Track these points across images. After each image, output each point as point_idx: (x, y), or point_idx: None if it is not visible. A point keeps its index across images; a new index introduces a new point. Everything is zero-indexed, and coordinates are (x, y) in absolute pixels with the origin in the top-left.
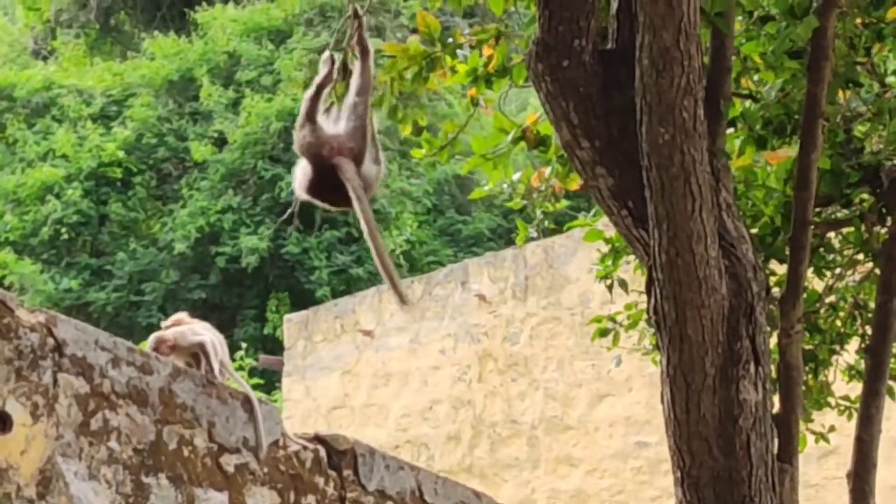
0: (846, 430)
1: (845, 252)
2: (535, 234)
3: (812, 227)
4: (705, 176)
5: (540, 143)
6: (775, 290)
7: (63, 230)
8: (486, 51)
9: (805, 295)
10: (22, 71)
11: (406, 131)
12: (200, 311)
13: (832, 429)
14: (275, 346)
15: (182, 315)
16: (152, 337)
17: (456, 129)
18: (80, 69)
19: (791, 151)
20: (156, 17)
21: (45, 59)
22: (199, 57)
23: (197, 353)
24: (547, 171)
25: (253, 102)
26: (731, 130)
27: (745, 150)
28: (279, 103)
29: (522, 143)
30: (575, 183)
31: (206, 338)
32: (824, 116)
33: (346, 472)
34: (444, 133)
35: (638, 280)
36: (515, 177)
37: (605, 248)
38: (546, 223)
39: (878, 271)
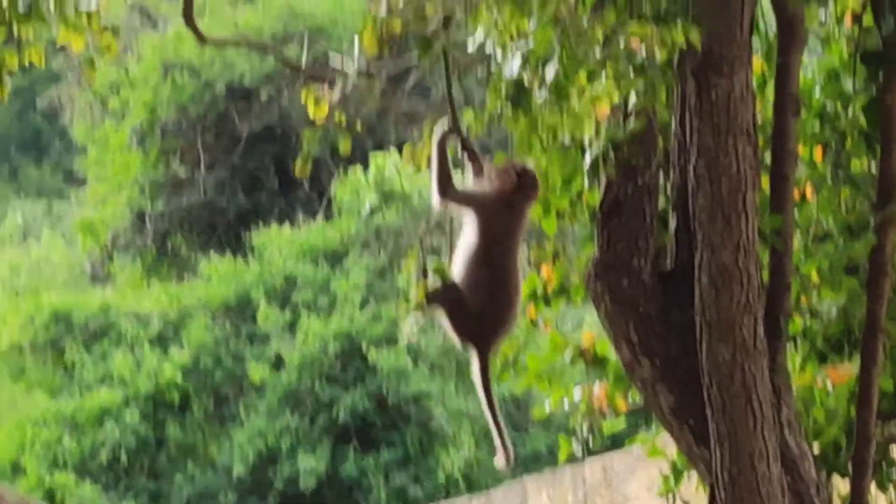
0: None
1: None
2: (578, 454)
3: (874, 443)
4: (766, 394)
5: (597, 362)
6: None
7: (121, 454)
8: (545, 271)
9: None
10: (80, 295)
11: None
12: None
13: None
14: None
15: None
16: None
17: (515, 350)
18: (137, 292)
19: (852, 368)
20: (212, 240)
21: (102, 283)
22: (256, 278)
23: None
24: (596, 388)
25: (310, 324)
26: (791, 348)
27: (806, 367)
28: (336, 324)
29: (580, 362)
30: (623, 403)
31: None
32: (884, 333)
33: None
34: (504, 354)
35: (700, 498)
36: (577, 396)
37: (666, 466)
38: (591, 440)
39: None
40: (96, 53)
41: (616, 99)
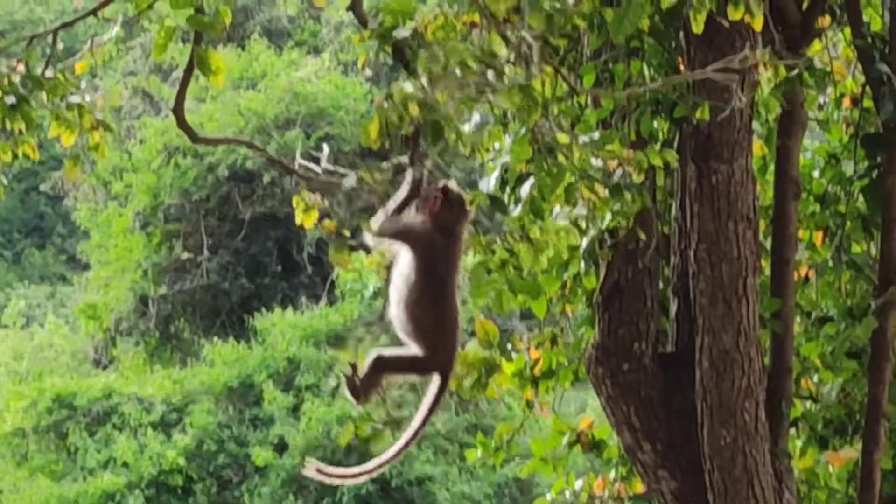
0: None
1: None
2: None
3: None
4: (768, 478)
5: (594, 446)
6: None
7: None
8: (534, 353)
9: None
10: (82, 379)
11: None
12: None
13: None
14: None
15: None
16: None
17: (510, 432)
18: (140, 377)
19: (853, 452)
20: (215, 324)
21: (105, 367)
22: (259, 363)
23: None
24: (611, 474)
25: (313, 407)
26: (792, 431)
27: (807, 450)
28: (339, 408)
29: (577, 447)
30: (639, 485)
31: None
32: (886, 417)
33: None
34: (499, 435)
35: None
36: (578, 485)
37: None
38: None
39: None
40: (85, 151)
41: (574, 241)
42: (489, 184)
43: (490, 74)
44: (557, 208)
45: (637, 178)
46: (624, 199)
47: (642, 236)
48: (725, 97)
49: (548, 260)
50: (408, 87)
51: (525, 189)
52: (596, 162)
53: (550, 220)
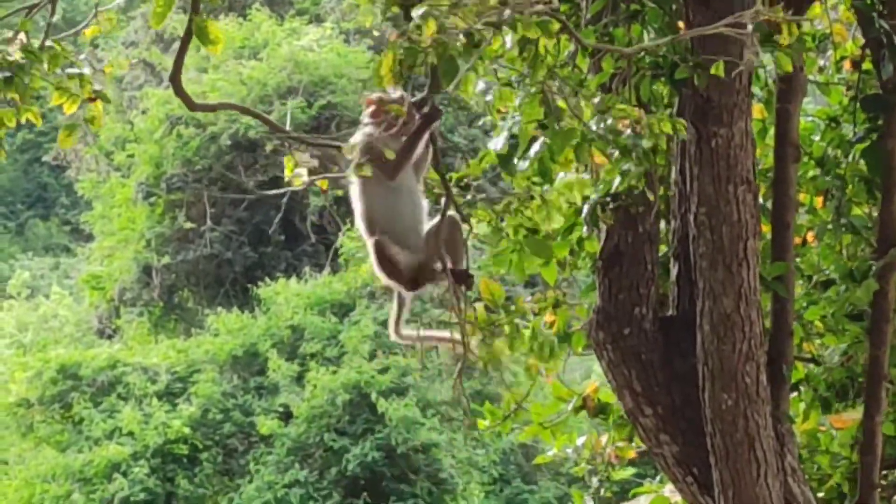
0: None
1: None
2: None
3: (879, 490)
4: (770, 441)
5: (600, 410)
6: None
7: None
8: (548, 317)
9: None
10: (87, 350)
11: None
12: None
13: None
14: None
15: None
16: None
17: (518, 399)
18: (144, 347)
19: (856, 414)
20: (219, 294)
21: (109, 337)
22: (264, 332)
23: None
24: (604, 439)
25: (318, 375)
26: (794, 394)
27: (810, 414)
28: (344, 375)
29: (583, 412)
30: (631, 451)
31: None
32: (888, 379)
33: None
34: (507, 403)
35: None
36: (580, 442)
37: None
38: (603, 491)
39: None
40: (83, 121)
41: (587, 192)
42: (498, 143)
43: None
44: (562, 174)
45: (647, 142)
46: (632, 160)
47: (651, 197)
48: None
49: (561, 217)
50: (421, 20)
51: (534, 149)
52: (605, 123)
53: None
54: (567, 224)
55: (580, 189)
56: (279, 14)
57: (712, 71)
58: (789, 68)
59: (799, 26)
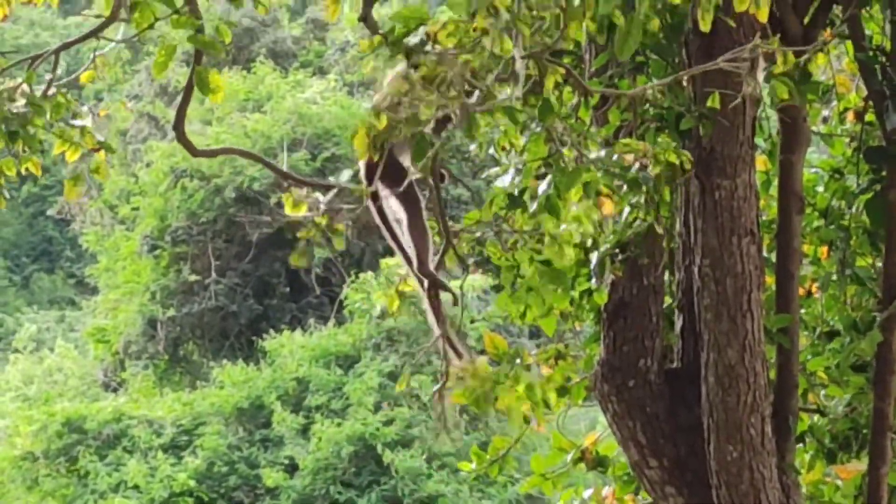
0: None
1: None
2: None
3: None
4: (775, 493)
5: (599, 463)
6: None
7: None
8: (545, 370)
9: None
10: (92, 403)
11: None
12: None
13: None
14: None
15: None
16: None
17: (506, 445)
18: (149, 399)
19: (861, 466)
20: (224, 346)
21: (114, 390)
22: (269, 384)
23: None
24: (605, 490)
25: (323, 427)
26: (799, 446)
27: (815, 465)
28: (349, 427)
29: (582, 464)
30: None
31: None
32: (892, 430)
33: None
34: (494, 448)
35: None
36: (586, 494)
37: None
38: None
39: None
40: (88, 173)
41: (594, 219)
42: (506, 181)
43: (491, 85)
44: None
45: (654, 170)
46: (641, 192)
47: (660, 230)
48: (730, 102)
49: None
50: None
51: (542, 187)
52: (611, 158)
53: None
54: (572, 274)
55: (589, 218)
56: (283, 67)
57: (709, 103)
58: (786, 96)
59: (807, 73)
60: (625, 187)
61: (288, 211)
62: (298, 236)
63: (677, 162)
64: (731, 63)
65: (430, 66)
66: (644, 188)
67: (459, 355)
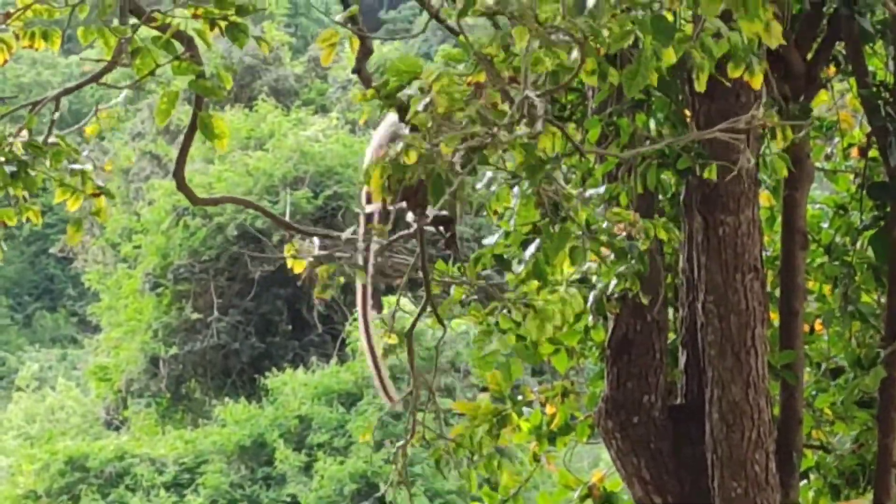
0: None
1: None
2: None
3: None
4: None
5: (606, 500)
6: None
7: None
8: (550, 409)
9: None
10: (94, 441)
11: (472, 488)
12: None
13: None
14: None
15: None
16: None
17: (516, 485)
18: (152, 438)
19: (865, 502)
20: (226, 384)
21: (117, 428)
22: (271, 422)
23: None
24: None
25: (326, 465)
26: (804, 482)
27: (819, 501)
28: (352, 465)
29: (589, 501)
30: None
31: None
32: None
33: None
34: (504, 488)
35: None
36: None
37: None
38: None
39: None
40: (88, 216)
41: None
42: (492, 240)
43: (494, 131)
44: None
45: (643, 245)
46: (629, 263)
47: (644, 302)
48: (732, 154)
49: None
50: (406, 138)
51: (529, 251)
52: (602, 224)
53: (555, 287)
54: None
55: (574, 303)
56: (285, 105)
57: (705, 175)
58: (784, 173)
59: (808, 109)
60: (612, 256)
61: (289, 264)
62: (318, 272)
63: (666, 238)
64: (729, 133)
65: (421, 122)
66: (629, 258)
67: (391, 399)
